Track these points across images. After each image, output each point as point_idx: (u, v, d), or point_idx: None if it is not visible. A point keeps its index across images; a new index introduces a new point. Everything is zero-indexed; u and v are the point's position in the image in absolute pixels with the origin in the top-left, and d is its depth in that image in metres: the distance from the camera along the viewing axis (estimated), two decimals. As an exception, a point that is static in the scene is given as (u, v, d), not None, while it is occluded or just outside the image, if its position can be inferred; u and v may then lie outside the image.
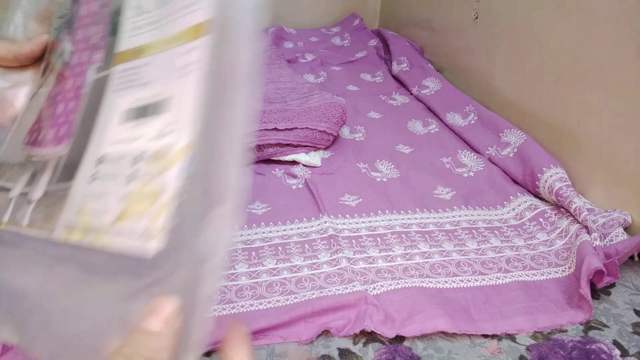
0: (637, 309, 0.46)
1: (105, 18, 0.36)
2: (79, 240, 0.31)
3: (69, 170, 0.34)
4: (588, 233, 0.53)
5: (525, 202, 0.63)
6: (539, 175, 0.64)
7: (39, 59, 0.39)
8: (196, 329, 0.25)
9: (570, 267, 0.52)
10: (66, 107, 0.36)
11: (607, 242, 0.53)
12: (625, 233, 0.54)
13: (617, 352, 0.41)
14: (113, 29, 0.35)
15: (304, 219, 0.61)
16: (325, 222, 0.60)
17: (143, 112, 0.32)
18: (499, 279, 0.50)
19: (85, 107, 0.35)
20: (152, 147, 0.30)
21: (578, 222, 0.57)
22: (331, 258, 0.54)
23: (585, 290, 0.45)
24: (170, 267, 0.28)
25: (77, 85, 0.36)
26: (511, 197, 0.65)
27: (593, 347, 0.41)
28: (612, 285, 0.49)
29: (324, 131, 0.73)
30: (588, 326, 0.44)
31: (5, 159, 0.38)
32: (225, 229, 0.28)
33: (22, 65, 0.37)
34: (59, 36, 0.38)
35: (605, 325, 0.44)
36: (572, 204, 0.58)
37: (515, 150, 0.70)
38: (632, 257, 0.51)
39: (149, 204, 0.29)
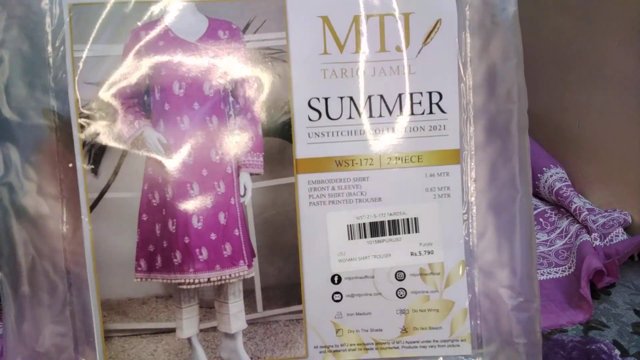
0: (637, 309, 0.46)
1: (246, 112, 0.31)
2: (356, 359, 0.31)
3: (277, 293, 0.32)
4: (588, 233, 0.53)
5: (525, 202, 0.63)
6: (539, 175, 0.64)
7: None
8: None
9: (570, 267, 0.52)
10: (212, 220, 0.31)
11: (607, 242, 0.53)
12: (625, 233, 0.54)
13: (617, 352, 0.41)
14: (268, 129, 0.31)
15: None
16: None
17: (377, 229, 0.31)
18: (499, 279, 0.50)
19: (258, 220, 0.32)
20: (413, 265, 0.31)
21: (578, 222, 0.57)
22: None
23: (585, 290, 0.45)
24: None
25: (220, 194, 0.31)
26: (511, 197, 0.65)
27: (593, 347, 0.41)
28: (612, 285, 0.49)
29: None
30: (588, 326, 0.44)
31: (110, 296, 0.31)
32: (533, 323, 0.33)
33: None
34: (110, 112, 0.30)
35: (605, 325, 0.44)
36: (572, 204, 0.58)
37: (515, 150, 0.70)
38: (632, 257, 0.51)
39: (439, 318, 0.31)
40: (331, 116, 0.31)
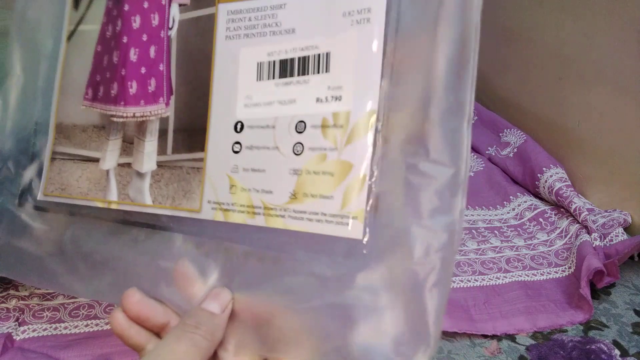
0: (637, 309, 0.46)
1: None
2: (243, 223, 0.27)
3: (186, 137, 0.31)
4: (588, 233, 0.53)
5: (525, 202, 0.63)
6: (539, 175, 0.64)
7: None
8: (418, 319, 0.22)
9: (570, 267, 0.52)
10: (145, 53, 0.33)
11: (607, 242, 0.53)
12: (625, 233, 0.54)
13: (617, 352, 0.41)
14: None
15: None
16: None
17: (287, 68, 0.28)
18: (498, 279, 0.50)
19: (180, 55, 0.31)
20: (316, 114, 0.27)
21: (578, 222, 0.57)
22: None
23: (585, 290, 0.45)
24: (374, 258, 0.24)
25: (154, 26, 0.33)
26: (511, 197, 0.65)
27: (593, 347, 0.41)
28: (612, 285, 0.49)
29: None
30: (588, 326, 0.44)
31: (63, 120, 0.35)
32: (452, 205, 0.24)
33: None
34: None
35: (605, 325, 0.44)
36: (572, 204, 0.58)
37: (515, 150, 0.70)
38: (632, 257, 0.51)
39: (332, 184, 0.26)
40: None
